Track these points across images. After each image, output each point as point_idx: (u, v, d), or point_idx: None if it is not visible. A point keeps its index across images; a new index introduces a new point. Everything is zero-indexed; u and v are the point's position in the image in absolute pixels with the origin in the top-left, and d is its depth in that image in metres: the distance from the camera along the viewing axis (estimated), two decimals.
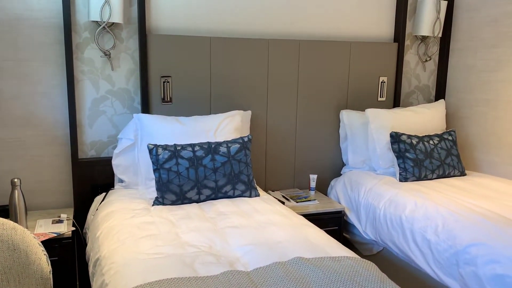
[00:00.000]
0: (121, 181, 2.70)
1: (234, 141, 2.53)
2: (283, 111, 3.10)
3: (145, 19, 2.71)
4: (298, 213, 2.75)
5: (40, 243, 1.72)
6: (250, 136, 2.59)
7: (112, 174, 2.72)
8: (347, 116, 3.20)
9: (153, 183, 2.52)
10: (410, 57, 3.50)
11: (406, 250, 2.47)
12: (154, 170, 2.38)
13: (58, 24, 2.57)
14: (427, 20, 3.32)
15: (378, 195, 2.78)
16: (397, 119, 3.07)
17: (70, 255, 2.35)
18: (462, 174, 3.00)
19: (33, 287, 1.67)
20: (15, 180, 2.27)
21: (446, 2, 3.36)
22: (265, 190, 3.13)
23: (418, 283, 2.49)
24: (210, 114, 2.88)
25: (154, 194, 2.48)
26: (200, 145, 2.46)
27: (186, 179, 2.36)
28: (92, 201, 2.68)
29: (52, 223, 2.44)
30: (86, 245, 2.38)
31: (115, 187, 2.68)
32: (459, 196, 2.57)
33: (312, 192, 3.14)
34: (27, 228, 2.35)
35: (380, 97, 3.36)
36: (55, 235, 2.29)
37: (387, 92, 3.38)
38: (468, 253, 2.10)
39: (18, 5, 2.49)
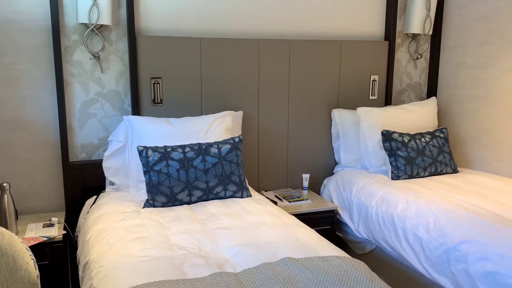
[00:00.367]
0: (112, 183, 2.68)
1: (225, 142, 2.53)
2: (274, 111, 3.09)
3: (134, 20, 2.70)
4: (290, 212, 2.75)
5: (28, 248, 1.71)
6: (241, 137, 2.59)
7: (103, 177, 2.71)
8: (339, 115, 3.19)
9: (144, 185, 2.51)
10: (401, 55, 3.50)
11: (398, 248, 2.47)
12: (144, 172, 2.38)
13: (46, 27, 2.55)
14: (417, 18, 3.33)
15: (370, 194, 2.78)
16: (388, 117, 3.07)
17: (61, 259, 2.34)
18: (454, 171, 3.00)
19: None
20: (4, 184, 2.26)
21: None
22: (258, 191, 3.13)
23: (410, 281, 2.49)
24: (201, 115, 2.87)
25: (145, 196, 2.47)
26: (191, 146, 2.45)
27: (176, 180, 2.35)
28: (84, 204, 2.67)
29: (43, 227, 2.43)
30: (77, 248, 2.37)
31: (106, 190, 2.67)
32: (450, 193, 2.57)
33: (305, 192, 3.14)
34: (17, 232, 2.34)
35: (371, 95, 3.36)
36: (46, 239, 2.28)
37: (379, 90, 3.38)
38: (459, 251, 2.10)
39: (4, 8, 2.47)
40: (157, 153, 2.38)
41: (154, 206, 2.34)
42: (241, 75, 2.96)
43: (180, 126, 2.60)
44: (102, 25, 2.63)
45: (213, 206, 2.33)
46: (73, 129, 2.71)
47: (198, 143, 2.49)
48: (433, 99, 3.35)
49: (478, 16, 3.21)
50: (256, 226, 2.06)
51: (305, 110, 3.18)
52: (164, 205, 2.35)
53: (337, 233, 3.07)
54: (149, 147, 2.41)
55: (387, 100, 3.42)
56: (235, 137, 2.57)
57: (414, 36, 3.50)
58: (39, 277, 1.70)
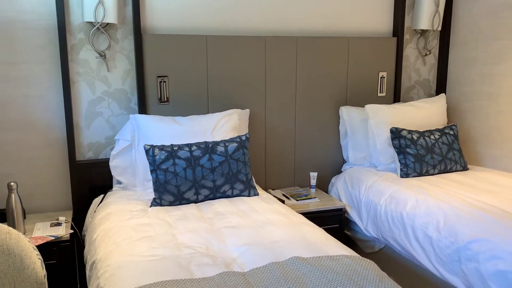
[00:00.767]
0: (119, 182, 2.68)
1: (231, 140, 2.51)
2: (282, 108, 3.07)
3: (140, 18, 2.69)
4: (298, 211, 2.73)
5: (35, 247, 1.70)
6: (247, 135, 2.57)
7: (110, 176, 2.71)
8: (347, 113, 3.16)
9: (151, 184, 2.50)
10: (410, 51, 3.46)
11: (408, 247, 2.44)
12: (151, 171, 2.36)
13: (52, 26, 2.55)
14: (426, 14, 3.28)
15: (379, 192, 2.74)
16: (397, 115, 3.03)
17: (69, 258, 2.34)
18: (464, 168, 2.96)
19: None
20: (12, 183, 2.26)
21: None
22: (265, 189, 3.11)
23: (420, 281, 2.46)
24: (208, 113, 2.86)
25: (152, 195, 2.46)
26: (197, 145, 2.44)
27: (183, 179, 2.34)
28: (91, 203, 2.66)
29: (50, 226, 2.43)
30: (84, 247, 2.36)
31: (113, 189, 2.66)
32: (461, 191, 2.53)
33: (313, 190, 3.11)
34: (25, 231, 2.34)
35: (379, 92, 3.33)
36: (53, 238, 2.27)
37: (387, 87, 3.34)
38: (470, 249, 2.07)
39: (10, 7, 2.47)
40: (164, 152, 2.37)
41: (161, 205, 2.33)
42: (247, 73, 2.94)
43: (187, 124, 2.58)
44: (108, 23, 2.62)
45: (220, 205, 2.32)
46: (79, 128, 2.70)
47: (205, 141, 2.48)
48: (443, 96, 3.30)
49: (488, 10, 3.15)
50: (264, 225, 2.04)
51: (313, 107, 3.15)
52: (171, 203, 2.34)
53: (345, 231, 3.04)
54: (156, 145, 2.40)
55: (396, 97, 3.38)
56: (242, 135, 2.55)
57: (423, 32, 3.45)
58: (46, 276, 1.69)
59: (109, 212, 2.28)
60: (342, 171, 3.24)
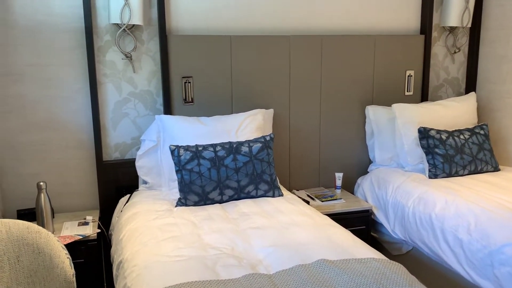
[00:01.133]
0: (145, 182, 2.70)
1: (256, 140, 2.49)
2: (306, 108, 3.04)
3: (165, 20, 2.70)
4: (323, 212, 2.69)
5: (64, 246, 1.73)
6: (272, 135, 2.55)
7: (136, 176, 2.73)
8: (373, 112, 3.11)
9: (176, 184, 2.51)
10: (438, 49, 3.37)
11: (437, 250, 2.38)
12: (176, 171, 2.37)
13: (79, 28, 2.59)
14: (455, 10, 3.19)
15: (407, 193, 2.69)
16: (425, 114, 2.96)
17: (96, 257, 2.37)
18: (496, 169, 2.87)
19: None
20: (41, 183, 2.30)
21: None
22: (289, 190, 3.08)
23: (450, 284, 2.39)
24: (232, 113, 2.85)
25: (177, 195, 2.47)
26: (222, 145, 2.43)
27: (208, 179, 2.34)
28: (117, 202, 2.69)
29: (78, 225, 2.47)
30: (111, 246, 2.39)
31: (139, 189, 2.69)
32: (492, 192, 2.45)
33: (338, 191, 3.07)
34: (53, 230, 2.38)
35: (407, 91, 3.26)
36: (81, 237, 2.31)
37: (414, 86, 3.27)
38: (504, 253, 1.99)
39: (39, 10, 2.52)
40: (188, 152, 2.37)
41: (186, 205, 2.34)
42: (271, 73, 2.92)
43: (211, 125, 2.59)
44: (133, 25, 2.65)
45: (244, 205, 2.31)
46: (106, 129, 2.74)
47: (229, 142, 2.47)
48: (472, 94, 3.21)
49: None
50: (289, 226, 2.02)
51: (338, 107, 3.11)
52: (196, 204, 2.34)
53: (372, 233, 2.99)
54: (181, 146, 2.41)
55: (424, 96, 3.30)
56: (266, 135, 2.54)
57: (452, 29, 3.36)
58: (74, 275, 1.72)
59: (135, 212, 2.30)
60: (368, 172, 3.18)
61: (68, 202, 2.72)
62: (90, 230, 2.39)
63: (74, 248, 2.30)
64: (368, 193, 3.00)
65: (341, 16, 3.08)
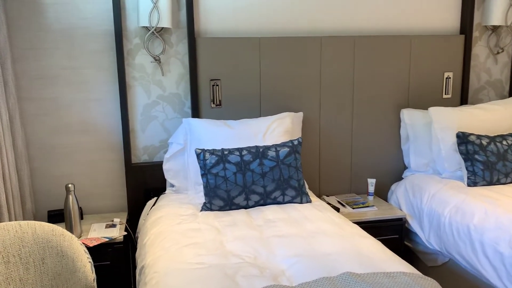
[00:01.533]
0: (172, 185, 2.69)
1: (283, 145, 2.43)
2: (337, 111, 2.94)
3: (194, 22, 2.68)
4: (354, 220, 2.59)
5: (86, 250, 1.73)
6: (300, 139, 2.48)
7: (164, 179, 2.72)
8: (409, 116, 2.98)
9: (202, 188, 2.48)
10: (479, 49, 3.19)
11: (475, 263, 2.23)
12: (202, 175, 2.34)
13: (109, 31, 2.61)
14: (498, 8, 3.01)
15: (443, 201, 2.55)
16: (464, 118, 2.80)
17: (122, 260, 2.37)
18: None
19: None
20: (69, 185, 2.33)
21: None
22: (319, 196, 2.99)
23: None
24: (260, 116, 2.80)
25: (203, 199, 2.44)
26: (248, 149, 2.38)
27: (233, 184, 2.29)
28: (145, 205, 2.70)
29: (105, 227, 2.48)
30: (137, 250, 2.39)
31: (166, 192, 2.68)
32: None
33: (371, 198, 2.96)
34: (81, 231, 2.41)
35: (445, 94, 3.10)
36: (107, 239, 2.32)
37: (453, 88, 3.11)
38: None
39: (72, 14, 2.56)
40: (214, 156, 2.34)
41: (211, 209, 2.30)
42: (301, 75, 2.85)
43: (238, 128, 2.54)
44: (162, 28, 2.64)
45: (270, 212, 2.25)
46: (135, 132, 2.75)
47: (256, 146, 2.42)
48: None
49: None
50: (315, 235, 1.94)
51: (371, 110, 2.99)
52: (221, 208, 2.30)
53: (405, 242, 2.86)
54: (207, 150, 2.38)
55: (463, 99, 3.14)
56: (294, 139, 2.47)
57: (495, 29, 3.18)
58: (95, 280, 1.71)
59: (160, 215, 2.29)
60: (402, 178, 3.05)
61: (97, 204, 2.75)
62: (117, 233, 2.40)
63: (101, 250, 2.31)
64: (402, 201, 2.88)
65: (375, 16, 2.97)
